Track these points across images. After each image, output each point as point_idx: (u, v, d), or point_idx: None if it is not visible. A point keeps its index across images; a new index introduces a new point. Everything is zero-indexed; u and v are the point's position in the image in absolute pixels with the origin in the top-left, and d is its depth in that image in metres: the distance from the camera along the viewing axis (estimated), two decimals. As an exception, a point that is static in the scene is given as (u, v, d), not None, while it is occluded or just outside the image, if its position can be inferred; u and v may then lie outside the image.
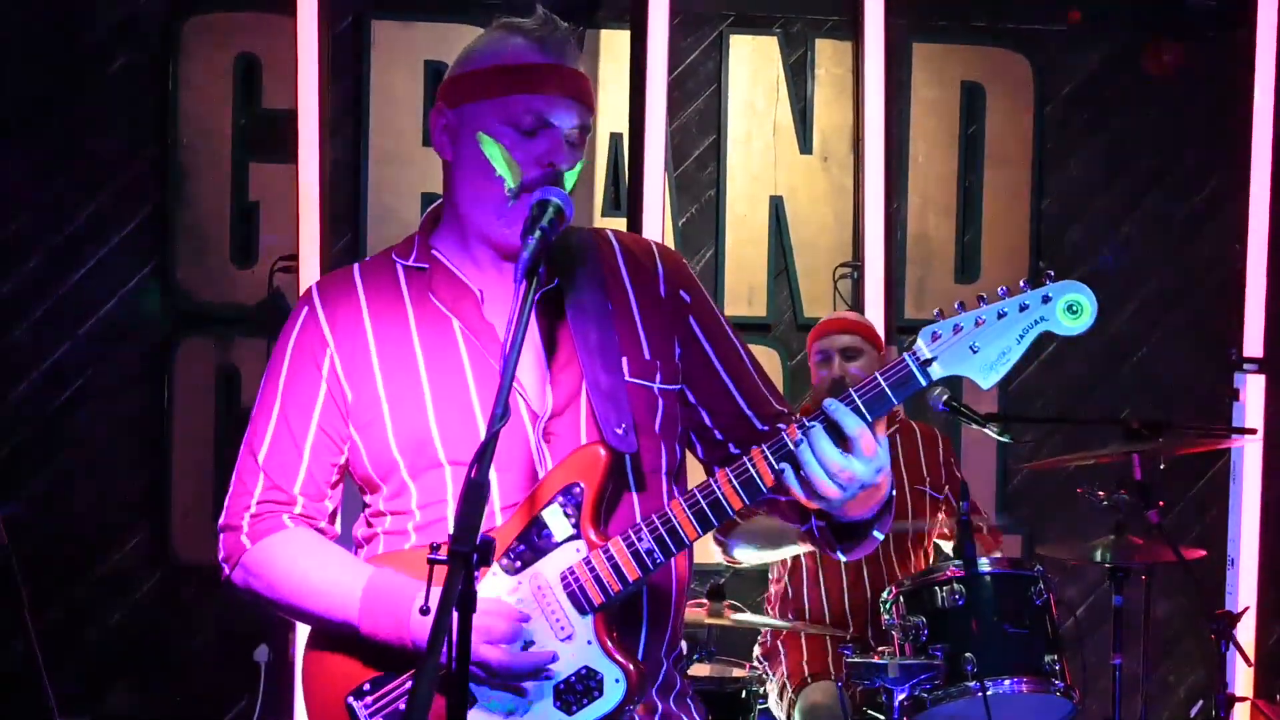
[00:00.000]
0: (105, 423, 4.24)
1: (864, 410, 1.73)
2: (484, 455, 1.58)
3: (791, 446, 1.74)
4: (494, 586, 1.84)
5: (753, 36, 4.50)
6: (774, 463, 1.76)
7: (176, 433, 4.28)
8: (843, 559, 1.95)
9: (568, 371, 1.89)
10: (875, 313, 4.24)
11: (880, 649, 3.28)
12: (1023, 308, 1.74)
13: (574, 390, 1.89)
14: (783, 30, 4.48)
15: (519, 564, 1.84)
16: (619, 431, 1.86)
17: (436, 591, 1.58)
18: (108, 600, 4.23)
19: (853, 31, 4.42)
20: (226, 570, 1.97)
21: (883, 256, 4.36)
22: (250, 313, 4.27)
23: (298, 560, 1.91)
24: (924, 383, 1.75)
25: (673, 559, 1.84)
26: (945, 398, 3.22)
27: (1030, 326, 1.76)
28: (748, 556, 3.52)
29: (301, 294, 1.99)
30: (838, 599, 3.57)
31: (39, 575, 3.92)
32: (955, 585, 3.15)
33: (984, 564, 3.19)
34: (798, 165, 4.51)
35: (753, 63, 4.49)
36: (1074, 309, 1.78)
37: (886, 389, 1.74)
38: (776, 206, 4.50)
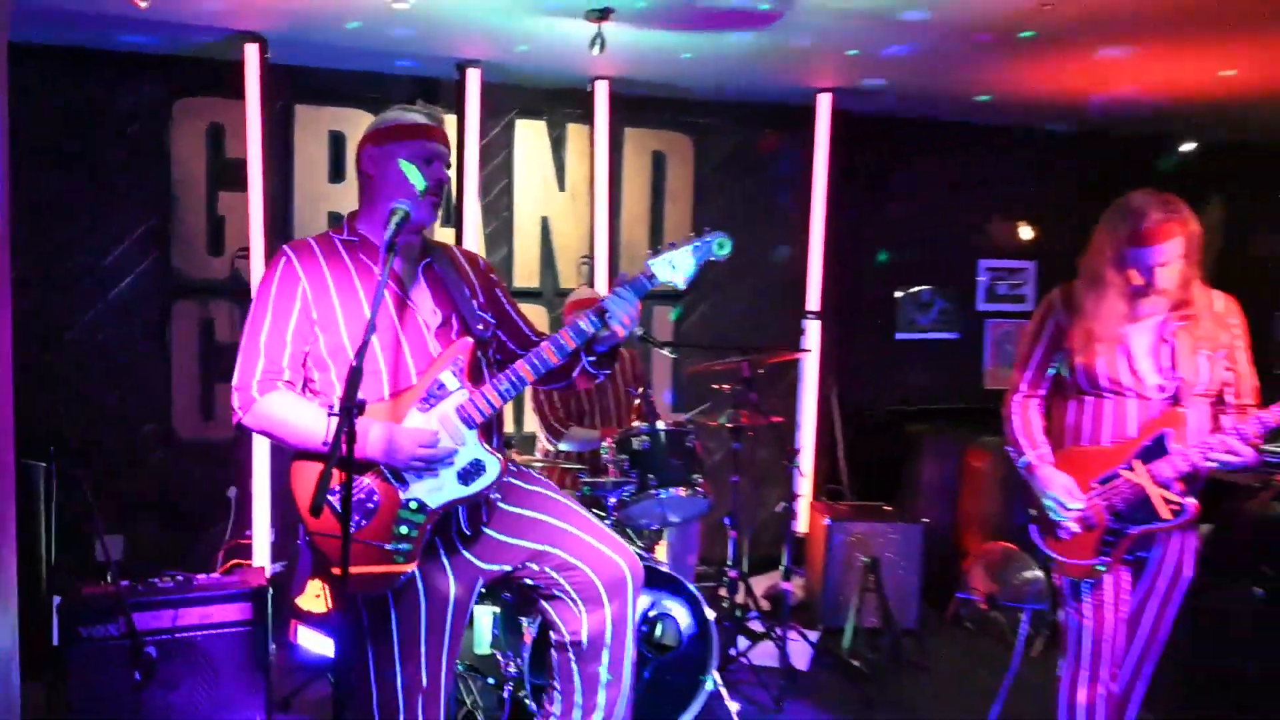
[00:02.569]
0: (128, 357, 4.61)
1: (626, 294, 2.15)
2: (360, 353, 1.94)
3: (604, 305, 2.14)
4: (415, 418, 2.18)
5: (531, 120, 5.06)
6: (589, 321, 2.10)
7: (174, 361, 4.71)
8: (602, 377, 2.36)
9: (444, 301, 2.27)
10: (601, 287, 4.80)
11: (604, 477, 3.66)
12: (700, 244, 2.22)
13: (449, 312, 2.26)
14: (548, 117, 5.05)
15: (428, 405, 2.17)
16: (479, 329, 2.25)
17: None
18: (132, 467, 4.63)
19: (589, 120, 4.91)
20: (240, 415, 2.24)
21: (607, 253, 4.91)
22: (220, 284, 4.69)
23: (288, 407, 2.21)
24: (648, 285, 2.18)
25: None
26: (641, 333, 3.76)
27: (702, 254, 2.22)
28: (567, 446, 3.94)
29: (275, 253, 2.27)
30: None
31: (85, 454, 4.43)
32: (643, 436, 3.58)
33: (660, 425, 3.61)
34: (557, 199, 5.04)
35: (531, 137, 5.03)
36: (721, 245, 2.26)
37: (630, 283, 2.18)
38: (545, 222, 5.08)
